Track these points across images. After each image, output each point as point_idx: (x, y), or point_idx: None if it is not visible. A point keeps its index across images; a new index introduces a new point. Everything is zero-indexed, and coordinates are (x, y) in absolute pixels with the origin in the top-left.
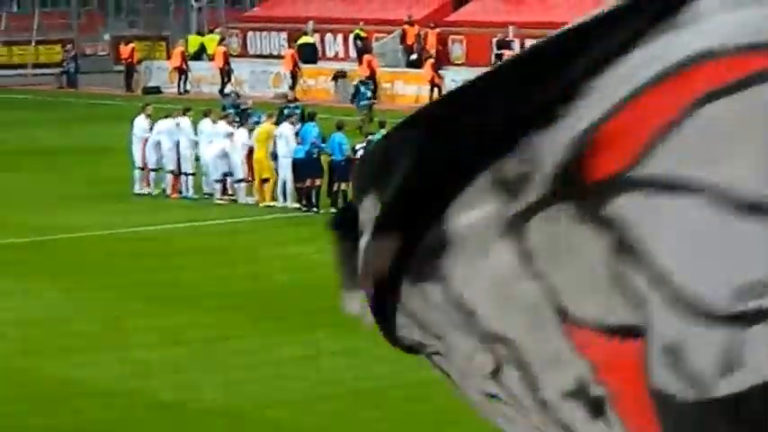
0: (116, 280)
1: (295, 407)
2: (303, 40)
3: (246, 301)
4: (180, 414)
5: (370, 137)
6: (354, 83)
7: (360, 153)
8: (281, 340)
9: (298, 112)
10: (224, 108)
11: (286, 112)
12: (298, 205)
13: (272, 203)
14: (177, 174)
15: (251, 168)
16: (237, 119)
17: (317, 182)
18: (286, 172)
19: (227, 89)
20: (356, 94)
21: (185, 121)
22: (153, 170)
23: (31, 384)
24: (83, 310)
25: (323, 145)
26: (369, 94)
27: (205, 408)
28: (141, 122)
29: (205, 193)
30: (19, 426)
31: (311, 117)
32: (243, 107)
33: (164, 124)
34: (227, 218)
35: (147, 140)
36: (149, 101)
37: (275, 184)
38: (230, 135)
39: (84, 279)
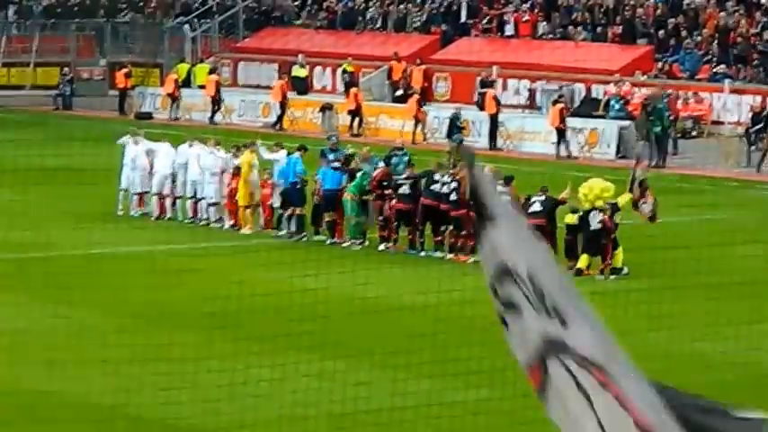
0: (101, 297)
1: (270, 427)
2: (295, 72)
3: (227, 322)
4: (159, 430)
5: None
6: (449, 117)
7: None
8: (259, 361)
9: (406, 159)
10: (323, 153)
11: (394, 160)
12: (283, 231)
13: (255, 229)
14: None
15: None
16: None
17: (298, 210)
18: (276, 199)
19: (330, 133)
20: (451, 129)
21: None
22: (141, 193)
23: (12, 394)
24: (67, 325)
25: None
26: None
27: (183, 425)
28: (130, 147)
29: (191, 217)
30: None
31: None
32: (347, 153)
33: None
34: (213, 241)
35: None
36: (141, 126)
37: (263, 210)
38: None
39: (70, 295)
